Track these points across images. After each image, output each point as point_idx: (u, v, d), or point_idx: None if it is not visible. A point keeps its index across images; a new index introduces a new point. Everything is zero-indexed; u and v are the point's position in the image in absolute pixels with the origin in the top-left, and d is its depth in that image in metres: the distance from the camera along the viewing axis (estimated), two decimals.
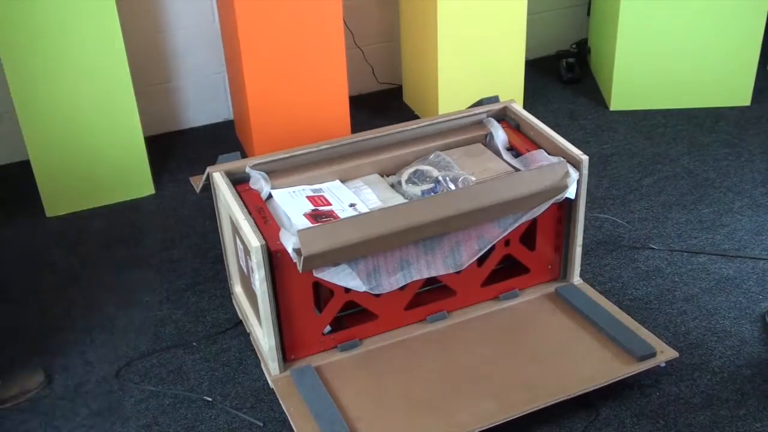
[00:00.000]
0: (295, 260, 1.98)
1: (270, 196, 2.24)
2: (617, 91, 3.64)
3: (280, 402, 2.11)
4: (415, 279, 2.18)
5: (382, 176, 2.38)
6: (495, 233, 2.24)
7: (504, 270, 2.41)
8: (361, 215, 2.07)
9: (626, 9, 3.43)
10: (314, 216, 2.13)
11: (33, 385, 2.30)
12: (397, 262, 2.14)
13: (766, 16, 3.44)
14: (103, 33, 2.82)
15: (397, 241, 2.09)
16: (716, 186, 3.11)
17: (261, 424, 2.16)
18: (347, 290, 2.15)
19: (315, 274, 2.05)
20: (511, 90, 3.54)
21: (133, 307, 2.59)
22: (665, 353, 2.18)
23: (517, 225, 2.25)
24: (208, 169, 2.27)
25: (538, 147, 2.38)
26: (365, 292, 2.13)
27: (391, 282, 2.15)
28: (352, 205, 2.19)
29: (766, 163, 3.25)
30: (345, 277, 2.08)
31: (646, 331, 2.26)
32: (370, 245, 2.05)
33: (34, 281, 2.72)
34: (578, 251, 2.40)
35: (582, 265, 2.54)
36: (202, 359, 2.38)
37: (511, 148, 2.44)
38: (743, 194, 3.05)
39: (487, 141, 2.49)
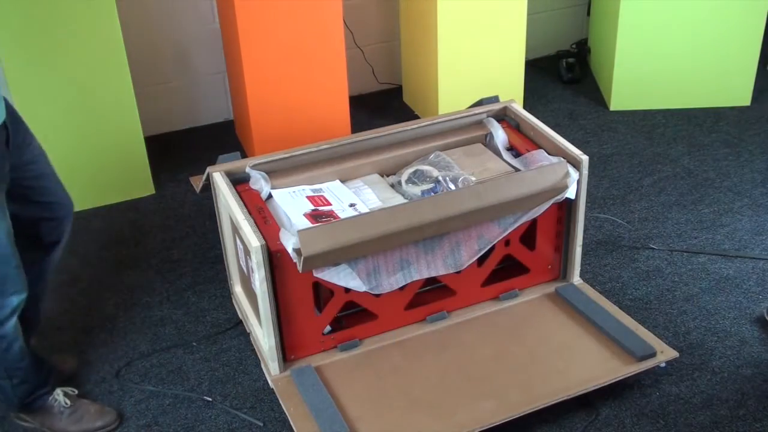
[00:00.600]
0: (295, 260, 1.98)
1: (270, 196, 2.24)
2: (617, 91, 3.64)
3: (280, 402, 2.11)
4: (415, 279, 2.18)
5: (382, 176, 2.38)
6: (495, 233, 2.24)
7: (504, 270, 2.41)
8: (361, 215, 2.07)
9: (626, 9, 3.43)
10: (314, 216, 2.13)
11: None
12: (397, 262, 2.14)
13: (766, 16, 3.44)
14: (103, 33, 2.82)
15: (397, 241, 2.08)
16: (716, 186, 3.11)
17: (261, 424, 2.16)
18: (347, 290, 2.15)
19: (315, 274, 2.05)
20: (511, 90, 3.54)
21: (133, 307, 2.59)
22: (665, 353, 2.18)
23: (517, 225, 2.25)
24: (208, 169, 2.27)
25: (538, 147, 2.38)
26: (365, 292, 2.13)
27: (391, 282, 2.15)
28: (352, 205, 2.19)
29: (766, 163, 3.25)
30: (345, 277, 2.08)
31: (646, 331, 2.26)
32: (370, 245, 2.05)
33: None
34: (578, 251, 2.40)
35: (582, 265, 2.53)
36: (202, 359, 2.38)
37: (511, 148, 2.44)
38: (743, 194, 3.05)
39: (487, 141, 2.49)
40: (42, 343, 2.46)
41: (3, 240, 1.87)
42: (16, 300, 1.94)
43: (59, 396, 2.13)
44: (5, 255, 1.88)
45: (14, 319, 1.96)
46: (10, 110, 1.94)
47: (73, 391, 2.18)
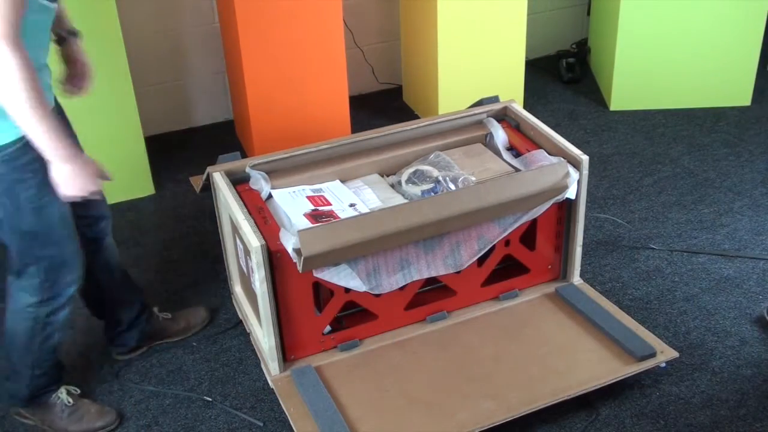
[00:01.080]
0: (295, 260, 1.98)
1: (270, 196, 2.24)
2: (617, 91, 3.64)
3: (280, 402, 2.11)
4: (415, 279, 2.18)
5: (382, 176, 2.38)
6: (495, 233, 2.24)
7: (504, 270, 2.41)
8: (361, 215, 2.07)
9: (626, 9, 3.43)
10: (314, 216, 2.13)
11: (198, 320, 2.46)
12: (397, 262, 2.14)
13: (766, 16, 3.44)
14: (103, 33, 2.82)
15: (397, 241, 2.08)
16: (716, 186, 3.11)
17: (261, 424, 2.16)
18: (347, 290, 2.15)
19: (315, 274, 2.05)
20: (511, 90, 3.54)
21: None
22: (665, 353, 2.18)
23: (517, 225, 2.25)
24: (208, 169, 2.27)
25: (538, 147, 2.38)
26: (365, 292, 2.13)
27: (391, 282, 2.15)
28: (352, 205, 2.19)
29: (766, 163, 3.25)
30: (345, 277, 2.08)
31: (646, 331, 2.26)
32: (370, 245, 2.05)
33: None
34: (578, 251, 2.40)
35: (582, 265, 2.53)
36: (202, 359, 2.38)
37: (511, 148, 2.44)
38: (743, 194, 3.05)
39: (487, 141, 2.49)
40: None
41: (55, 222, 1.86)
42: (72, 289, 1.97)
43: (62, 394, 2.14)
44: (61, 237, 1.89)
45: (67, 311, 1.99)
46: (57, 101, 1.96)
47: (76, 391, 2.19)
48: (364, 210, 2.17)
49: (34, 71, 1.61)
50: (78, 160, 1.72)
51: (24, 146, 1.74)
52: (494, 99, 2.58)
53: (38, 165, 1.77)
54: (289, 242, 1.98)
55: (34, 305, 1.94)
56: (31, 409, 2.14)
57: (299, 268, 1.98)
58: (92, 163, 1.77)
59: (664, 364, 2.20)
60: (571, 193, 2.25)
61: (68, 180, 1.73)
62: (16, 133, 1.73)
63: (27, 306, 1.95)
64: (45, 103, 1.65)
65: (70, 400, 2.14)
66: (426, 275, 2.20)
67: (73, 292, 1.98)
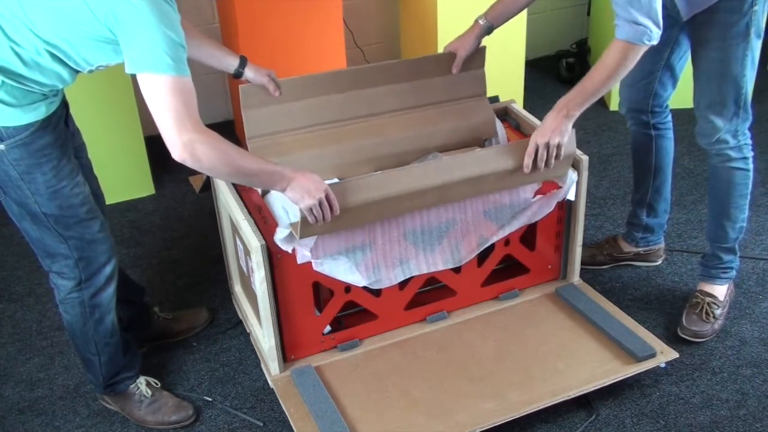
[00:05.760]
0: (287, 245, 1.96)
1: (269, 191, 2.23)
2: (617, 91, 3.63)
3: (280, 402, 2.11)
4: (414, 274, 2.18)
5: None
6: (493, 229, 2.23)
7: (504, 270, 2.41)
8: (358, 179, 2.01)
9: None
10: None
11: (200, 322, 2.47)
12: (396, 257, 2.14)
13: (766, 16, 3.43)
14: None
15: (398, 206, 2.04)
16: None
17: (261, 424, 2.16)
18: (347, 290, 2.15)
19: (314, 268, 2.04)
20: (511, 90, 3.54)
21: None
22: (665, 353, 2.18)
23: (521, 224, 2.25)
24: None
25: None
26: (365, 292, 2.13)
27: (390, 277, 2.14)
28: None
29: (766, 163, 3.24)
30: (345, 271, 2.08)
31: (646, 331, 2.26)
32: (370, 209, 2.00)
33: (34, 280, 2.72)
34: (578, 251, 2.40)
35: (582, 265, 2.53)
36: (202, 359, 2.38)
37: None
38: None
39: (486, 142, 2.48)
40: (42, 342, 2.46)
41: (76, 203, 1.86)
42: (109, 269, 1.98)
43: (141, 385, 2.17)
44: (84, 217, 1.89)
45: (110, 290, 2.00)
46: (67, 109, 1.96)
47: (156, 383, 2.22)
48: None
49: (225, 143, 1.81)
50: (293, 183, 1.82)
51: (38, 130, 1.75)
52: (494, 99, 2.58)
53: (52, 149, 1.78)
54: (283, 234, 1.96)
55: (75, 290, 1.96)
56: (112, 397, 2.18)
57: (297, 234, 1.94)
58: (302, 175, 1.84)
59: (664, 364, 2.20)
60: (571, 195, 2.25)
61: (297, 199, 1.84)
62: (30, 117, 1.73)
63: (69, 293, 1.97)
64: (245, 157, 1.82)
65: (149, 391, 2.17)
66: (425, 270, 2.19)
67: (111, 272, 1.98)
